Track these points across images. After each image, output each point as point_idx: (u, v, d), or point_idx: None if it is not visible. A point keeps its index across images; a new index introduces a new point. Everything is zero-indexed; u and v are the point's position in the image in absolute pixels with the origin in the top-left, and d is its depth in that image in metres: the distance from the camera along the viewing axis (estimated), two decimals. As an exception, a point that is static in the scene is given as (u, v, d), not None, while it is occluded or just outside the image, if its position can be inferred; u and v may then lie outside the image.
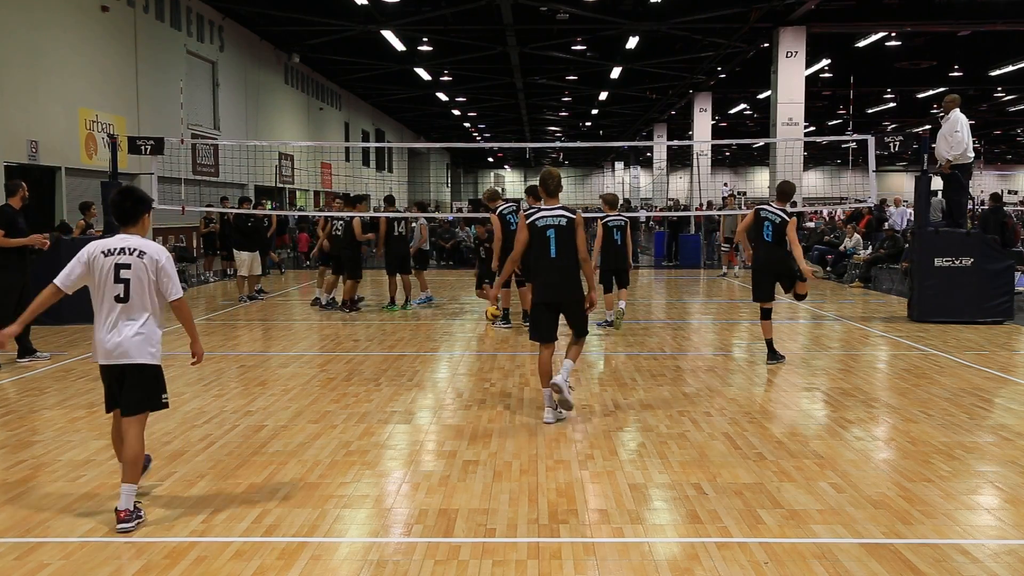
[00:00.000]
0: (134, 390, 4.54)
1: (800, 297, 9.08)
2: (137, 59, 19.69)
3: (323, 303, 13.60)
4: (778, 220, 8.69)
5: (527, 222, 6.45)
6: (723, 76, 31.69)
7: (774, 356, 8.90)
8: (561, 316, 6.67)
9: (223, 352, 9.79)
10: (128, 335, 4.49)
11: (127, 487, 4.45)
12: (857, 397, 7.37)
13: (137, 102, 19.66)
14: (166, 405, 4.71)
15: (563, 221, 6.39)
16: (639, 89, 35.95)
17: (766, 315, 8.92)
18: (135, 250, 4.53)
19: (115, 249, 4.55)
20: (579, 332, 6.67)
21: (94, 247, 4.56)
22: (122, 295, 4.50)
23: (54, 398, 7.42)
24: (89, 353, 9.51)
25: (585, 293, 6.60)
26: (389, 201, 14.06)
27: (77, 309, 11.68)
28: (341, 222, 13.23)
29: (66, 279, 4.56)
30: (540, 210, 6.45)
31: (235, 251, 14.84)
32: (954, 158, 11.72)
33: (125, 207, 4.64)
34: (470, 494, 4.91)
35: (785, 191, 8.88)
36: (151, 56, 20.29)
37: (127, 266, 4.51)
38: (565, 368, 6.58)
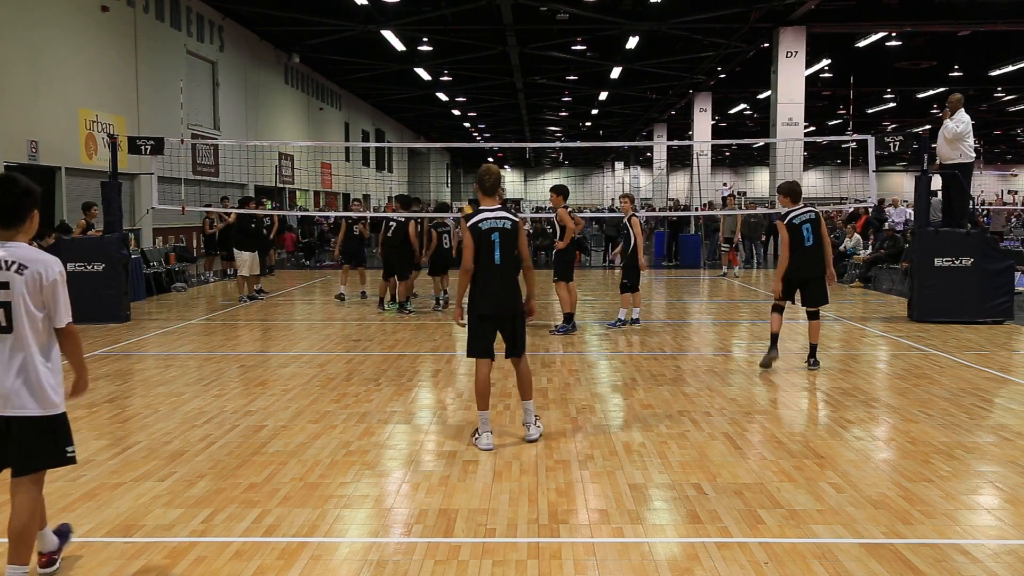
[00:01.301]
0: (27, 444, 3.55)
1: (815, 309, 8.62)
2: (137, 59, 19.70)
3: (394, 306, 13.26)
4: (813, 216, 8.35)
5: (468, 224, 5.82)
6: (723, 76, 31.71)
7: (772, 350, 8.59)
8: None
9: (223, 352, 9.79)
10: (16, 377, 3.50)
11: (14, 570, 3.52)
12: (857, 397, 7.37)
13: (137, 102, 19.67)
14: (72, 460, 3.73)
15: (507, 224, 5.81)
16: (639, 89, 35.96)
17: (779, 310, 8.55)
18: (13, 263, 3.50)
19: None
20: (520, 349, 5.96)
21: None
22: (3, 323, 3.50)
23: (54, 398, 7.41)
24: (88, 353, 9.52)
25: (525, 304, 6.03)
26: (404, 202, 13.88)
27: (77, 309, 11.78)
28: (392, 223, 13.01)
29: None
30: (482, 212, 5.86)
31: (236, 251, 14.76)
32: (960, 156, 11.76)
33: (3, 204, 3.52)
34: (470, 494, 4.91)
35: (798, 191, 8.47)
36: (151, 56, 20.30)
37: (4, 285, 3.49)
38: (528, 412, 6.02)
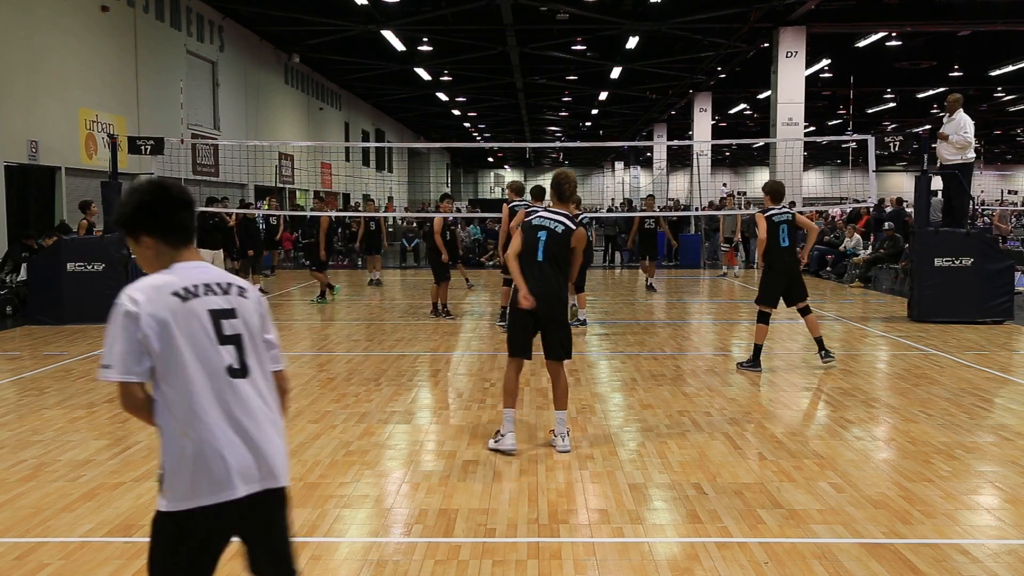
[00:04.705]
0: None
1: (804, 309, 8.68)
2: (137, 59, 19.68)
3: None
4: (789, 218, 8.52)
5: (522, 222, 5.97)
6: (723, 76, 31.68)
7: (756, 363, 8.51)
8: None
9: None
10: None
11: None
12: (857, 397, 7.37)
13: (137, 102, 19.65)
14: None
15: (559, 227, 5.73)
16: (639, 89, 35.93)
17: (766, 319, 8.56)
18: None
19: None
20: (557, 354, 5.81)
21: None
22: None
23: (54, 398, 7.42)
24: (88, 353, 9.51)
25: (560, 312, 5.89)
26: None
27: (77, 309, 11.80)
28: (429, 224, 12.34)
29: None
30: (542, 210, 5.97)
31: (198, 249, 14.65)
32: (963, 158, 11.78)
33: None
34: (470, 494, 4.91)
35: (780, 191, 8.68)
36: (151, 56, 20.28)
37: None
38: (560, 421, 5.76)
